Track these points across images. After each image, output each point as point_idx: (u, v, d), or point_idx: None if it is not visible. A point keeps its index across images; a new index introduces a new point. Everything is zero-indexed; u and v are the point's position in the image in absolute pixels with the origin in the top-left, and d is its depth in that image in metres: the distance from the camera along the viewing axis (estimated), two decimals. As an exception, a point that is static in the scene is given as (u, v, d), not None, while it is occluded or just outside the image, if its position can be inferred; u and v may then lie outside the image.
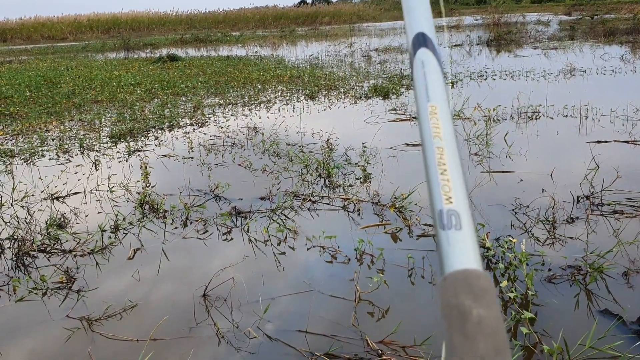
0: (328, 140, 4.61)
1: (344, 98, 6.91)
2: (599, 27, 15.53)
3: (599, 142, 4.18)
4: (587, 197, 3.05)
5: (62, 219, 3.14)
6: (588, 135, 4.44)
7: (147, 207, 3.34)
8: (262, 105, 6.77)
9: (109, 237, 2.94)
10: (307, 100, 6.97)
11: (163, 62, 12.86)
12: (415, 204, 3.10)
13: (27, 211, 3.34)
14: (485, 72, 8.48)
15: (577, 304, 2.07)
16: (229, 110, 6.56)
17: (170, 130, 5.56)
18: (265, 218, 3.09)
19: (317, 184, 3.60)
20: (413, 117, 5.52)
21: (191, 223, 3.09)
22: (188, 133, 5.38)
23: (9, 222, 3.23)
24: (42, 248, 2.84)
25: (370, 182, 3.59)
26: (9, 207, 3.48)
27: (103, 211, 3.34)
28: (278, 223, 2.98)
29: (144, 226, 3.07)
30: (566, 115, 5.18)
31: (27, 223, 3.11)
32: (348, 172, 3.80)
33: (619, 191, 3.10)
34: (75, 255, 2.76)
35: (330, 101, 6.77)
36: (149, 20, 33.86)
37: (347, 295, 2.22)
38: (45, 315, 2.23)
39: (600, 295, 2.11)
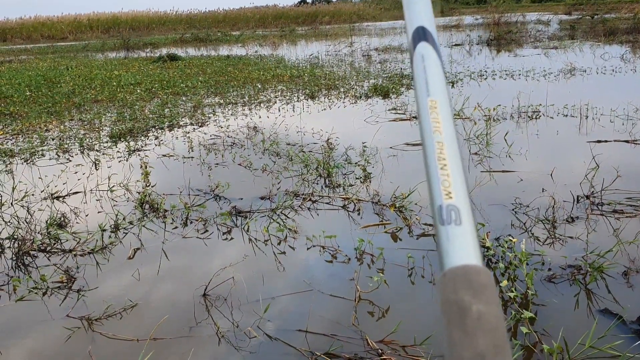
0: (328, 139, 4.61)
1: (344, 98, 6.91)
2: (599, 26, 15.52)
3: (599, 141, 4.18)
4: (587, 197, 3.05)
5: (62, 219, 3.14)
6: (588, 134, 4.44)
7: (147, 206, 3.34)
8: (262, 104, 6.77)
9: (109, 237, 2.94)
10: (307, 99, 6.97)
11: (163, 61, 12.86)
12: (416, 204, 3.10)
13: (27, 211, 3.35)
14: (486, 71, 8.48)
15: (577, 303, 2.07)
16: (229, 109, 6.56)
17: (170, 130, 5.56)
18: (266, 217, 3.09)
19: (317, 184, 3.59)
20: (413, 117, 5.52)
21: (191, 222, 3.09)
22: (188, 133, 5.38)
23: (9, 221, 3.23)
24: (42, 247, 2.84)
25: (370, 181, 3.59)
26: (9, 207, 3.48)
27: (103, 211, 3.34)
28: (278, 223, 2.98)
29: (144, 226, 3.07)
30: (566, 115, 5.18)
31: (27, 222, 3.11)
32: (348, 171, 3.80)
33: (619, 191, 3.10)
34: (75, 255, 2.76)
35: (331, 101, 6.77)
36: (149, 19, 33.86)
37: (347, 294, 2.22)
38: (46, 315, 2.23)
39: (600, 295, 2.11)
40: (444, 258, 0.32)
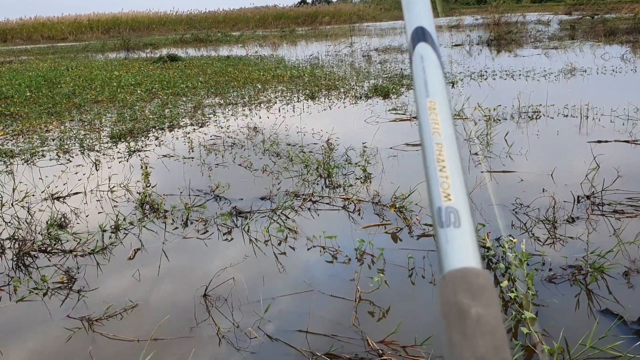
0: (328, 140, 4.61)
1: (344, 98, 6.91)
2: (600, 26, 15.52)
3: (599, 141, 4.18)
4: (588, 197, 3.05)
5: (62, 219, 3.14)
6: (588, 135, 4.44)
7: (147, 207, 3.34)
8: (262, 105, 6.77)
9: (110, 237, 2.94)
10: (307, 100, 6.97)
11: (163, 62, 12.86)
12: (416, 204, 3.10)
13: (28, 211, 3.35)
14: (486, 71, 8.48)
15: (577, 303, 2.07)
16: (229, 110, 6.56)
17: (170, 130, 5.56)
18: (266, 218, 3.09)
19: (318, 184, 3.59)
20: (413, 117, 5.52)
21: (191, 223, 3.09)
22: (188, 133, 5.38)
23: (9, 222, 3.23)
24: (42, 248, 2.84)
25: (370, 182, 3.59)
26: (9, 207, 3.48)
27: (103, 211, 3.34)
28: (278, 223, 2.98)
29: (144, 226, 3.07)
30: (566, 115, 5.17)
31: (27, 223, 3.11)
32: (348, 172, 3.80)
33: (620, 191, 3.09)
34: (75, 255, 2.76)
35: (331, 101, 6.77)
36: (149, 20, 33.87)
37: (348, 295, 2.22)
38: (46, 315, 2.23)
39: (601, 295, 2.11)
40: (443, 260, 0.32)
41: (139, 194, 3.56)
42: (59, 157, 4.74)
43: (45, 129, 5.91)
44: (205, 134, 5.31)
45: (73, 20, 32.59)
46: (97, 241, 2.88)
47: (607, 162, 3.50)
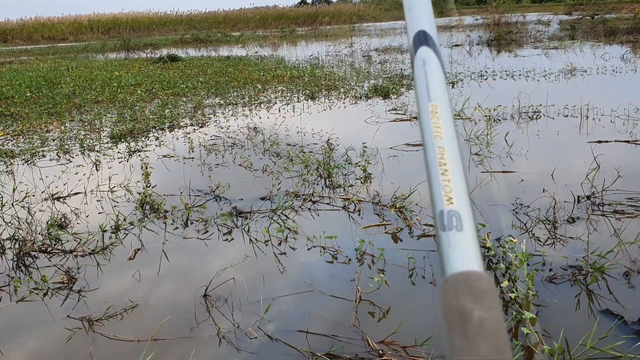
0: (328, 140, 4.61)
1: (344, 98, 6.91)
2: (600, 26, 15.52)
3: (599, 142, 4.18)
4: (588, 197, 3.05)
5: (62, 219, 3.15)
6: (589, 135, 4.44)
7: (147, 207, 3.34)
8: (262, 105, 6.77)
9: (110, 238, 2.94)
10: (307, 100, 6.97)
11: (163, 62, 12.86)
12: (416, 204, 3.10)
13: (28, 211, 3.35)
14: (486, 72, 8.48)
15: (578, 304, 2.07)
16: (229, 110, 6.56)
17: (170, 131, 5.56)
18: (266, 218, 3.09)
19: (318, 184, 3.60)
20: (413, 117, 5.52)
21: (192, 223, 3.09)
22: (188, 133, 5.39)
23: (9, 222, 3.23)
24: (43, 248, 2.84)
25: (370, 182, 3.59)
26: (9, 208, 3.48)
27: (104, 211, 3.34)
28: (278, 223, 2.99)
29: (144, 226, 3.07)
30: (567, 115, 5.17)
31: (28, 223, 3.11)
32: (348, 172, 3.80)
33: (620, 191, 3.09)
34: (76, 256, 2.76)
35: (331, 101, 6.77)
36: (149, 20, 33.88)
37: (348, 295, 2.22)
38: (46, 316, 2.23)
39: (602, 295, 2.11)
40: (445, 264, 0.32)
41: (139, 194, 3.56)
42: (59, 157, 4.74)
43: (46, 129, 5.92)
44: (205, 134, 5.31)
45: (73, 21, 32.60)
46: (98, 241, 2.88)
47: (607, 162, 3.50)
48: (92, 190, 3.75)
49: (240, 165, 4.17)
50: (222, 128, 5.53)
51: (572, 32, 14.83)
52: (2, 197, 3.66)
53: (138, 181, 3.86)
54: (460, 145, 0.37)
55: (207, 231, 2.98)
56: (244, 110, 6.49)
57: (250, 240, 2.83)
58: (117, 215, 3.16)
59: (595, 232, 2.66)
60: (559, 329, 1.87)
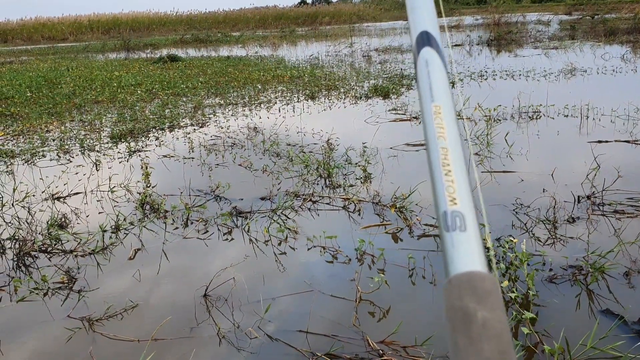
0: (328, 140, 4.61)
1: (344, 98, 6.91)
2: (600, 26, 15.52)
3: (599, 141, 4.18)
4: (588, 197, 3.04)
5: (63, 219, 3.14)
6: (589, 135, 4.44)
7: (147, 207, 3.34)
8: (262, 105, 6.77)
9: (110, 238, 2.94)
10: (307, 100, 6.97)
11: (163, 62, 12.86)
12: (416, 204, 3.10)
13: (28, 211, 3.35)
14: (486, 72, 8.48)
15: (578, 304, 2.07)
16: (229, 110, 6.56)
17: (170, 131, 5.56)
18: (266, 218, 3.09)
19: (318, 184, 3.59)
20: (413, 117, 5.52)
21: (192, 223, 3.09)
22: (188, 133, 5.38)
23: (10, 222, 3.23)
24: (43, 248, 2.84)
25: (370, 182, 3.59)
26: (10, 208, 3.48)
27: (104, 211, 3.34)
28: (278, 223, 2.98)
29: (144, 226, 3.07)
30: (567, 115, 5.17)
31: (28, 223, 3.11)
32: (348, 172, 3.80)
33: (620, 191, 3.09)
34: (76, 256, 2.76)
35: (331, 101, 6.77)
36: (149, 20, 33.87)
37: (348, 295, 2.22)
38: (47, 316, 2.23)
39: (602, 295, 2.11)
40: (449, 264, 0.32)
41: (139, 194, 3.56)
42: (60, 157, 4.74)
43: (46, 129, 5.92)
44: (205, 134, 5.31)
45: (73, 21, 32.59)
46: (98, 241, 2.88)
47: (607, 162, 3.50)
48: (92, 190, 3.75)
49: (240, 165, 4.17)
50: (222, 128, 5.53)
51: (572, 32, 14.83)
52: (2, 197, 3.65)
53: (138, 181, 3.86)
54: (463, 146, 0.37)
55: (207, 231, 2.98)
56: (244, 110, 6.49)
57: (250, 240, 2.83)
58: (117, 215, 3.16)
59: (596, 232, 2.66)
60: (559, 329, 1.87)
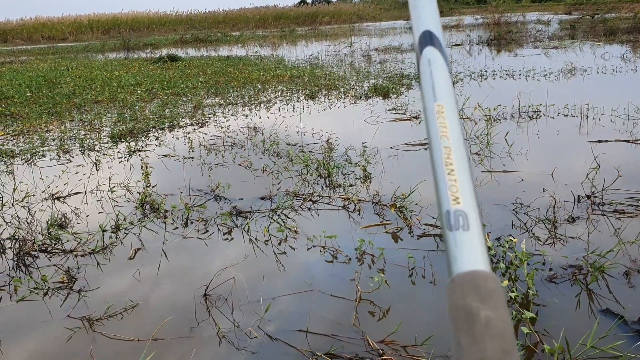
0: (328, 140, 4.61)
1: (344, 98, 6.91)
2: (600, 26, 15.52)
3: (599, 141, 4.18)
4: (588, 197, 3.05)
5: (63, 219, 3.14)
6: (589, 134, 4.44)
7: (147, 207, 3.34)
8: (262, 105, 6.77)
9: (110, 237, 2.94)
10: (307, 100, 6.97)
11: (163, 62, 12.86)
12: (416, 204, 3.10)
13: (28, 211, 3.35)
14: (486, 71, 8.48)
15: (578, 303, 2.07)
16: (229, 110, 6.56)
17: (170, 131, 5.56)
18: (266, 218, 3.09)
19: (318, 184, 3.59)
20: (413, 117, 5.52)
21: (192, 223, 3.09)
22: (188, 133, 5.38)
23: (10, 222, 3.23)
24: (43, 248, 2.84)
25: (370, 181, 3.59)
26: (10, 207, 3.48)
27: (104, 211, 3.34)
28: (278, 223, 2.98)
29: (144, 226, 3.07)
30: (567, 115, 5.17)
31: (28, 223, 3.11)
32: (348, 171, 3.80)
33: (620, 190, 3.09)
34: (76, 255, 2.76)
35: (331, 101, 6.77)
36: (149, 20, 33.87)
37: (348, 295, 2.22)
38: (47, 315, 2.23)
39: (602, 295, 2.11)
40: (452, 264, 0.31)
41: (139, 193, 3.56)
42: (59, 157, 4.74)
43: (46, 129, 5.91)
44: (205, 134, 5.31)
45: (73, 21, 32.59)
46: (98, 241, 2.88)
47: (607, 161, 3.50)
48: (92, 190, 3.75)
49: (240, 165, 4.17)
50: (222, 128, 5.53)
51: (572, 32, 14.83)
52: (2, 197, 3.65)
53: (138, 181, 3.86)
54: (466, 146, 0.37)
55: (207, 231, 2.98)
56: (244, 110, 6.49)
57: (250, 240, 2.83)
58: (117, 215, 3.16)
59: (596, 231, 2.66)
60: (559, 328, 1.87)
